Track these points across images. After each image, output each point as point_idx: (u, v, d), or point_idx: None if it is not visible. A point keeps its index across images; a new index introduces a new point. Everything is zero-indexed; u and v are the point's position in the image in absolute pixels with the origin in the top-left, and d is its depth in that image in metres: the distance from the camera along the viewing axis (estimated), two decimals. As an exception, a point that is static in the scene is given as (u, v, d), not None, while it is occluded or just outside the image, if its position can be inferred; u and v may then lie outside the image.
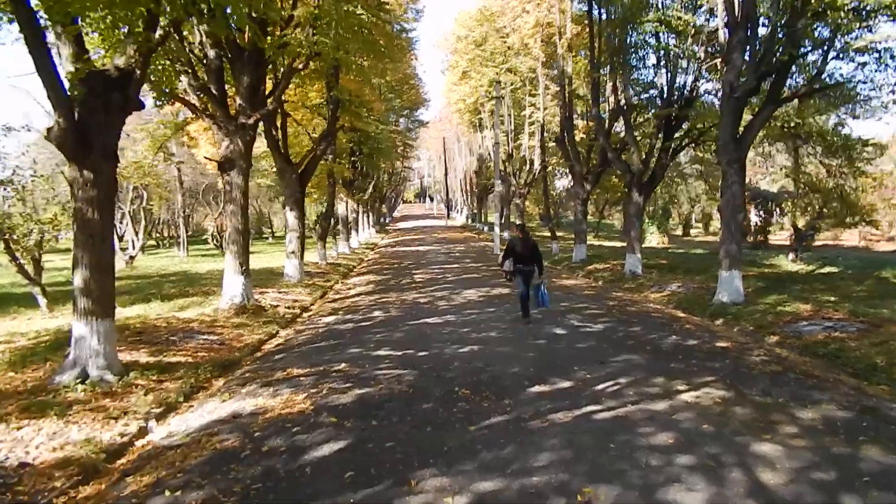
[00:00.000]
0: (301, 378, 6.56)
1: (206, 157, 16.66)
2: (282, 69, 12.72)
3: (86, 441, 4.84)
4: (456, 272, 18.76)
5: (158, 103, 13.05)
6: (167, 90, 11.48)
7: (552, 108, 30.36)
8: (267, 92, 12.41)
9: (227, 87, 11.69)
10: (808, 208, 23.31)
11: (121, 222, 33.46)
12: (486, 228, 46.26)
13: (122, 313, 11.14)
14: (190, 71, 10.83)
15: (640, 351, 7.69)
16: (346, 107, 19.53)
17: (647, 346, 7.98)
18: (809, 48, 12.42)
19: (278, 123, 16.50)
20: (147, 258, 33.34)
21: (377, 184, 41.81)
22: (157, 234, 50.10)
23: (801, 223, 23.51)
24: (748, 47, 11.64)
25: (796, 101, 15.00)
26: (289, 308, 12.27)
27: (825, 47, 12.05)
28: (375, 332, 9.21)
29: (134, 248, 26.71)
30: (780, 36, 11.77)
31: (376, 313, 11.30)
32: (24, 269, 11.62)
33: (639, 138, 17.77)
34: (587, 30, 22.77)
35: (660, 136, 17.18)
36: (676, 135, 16.86)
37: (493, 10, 31.17)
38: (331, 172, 22.32)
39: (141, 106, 6.72)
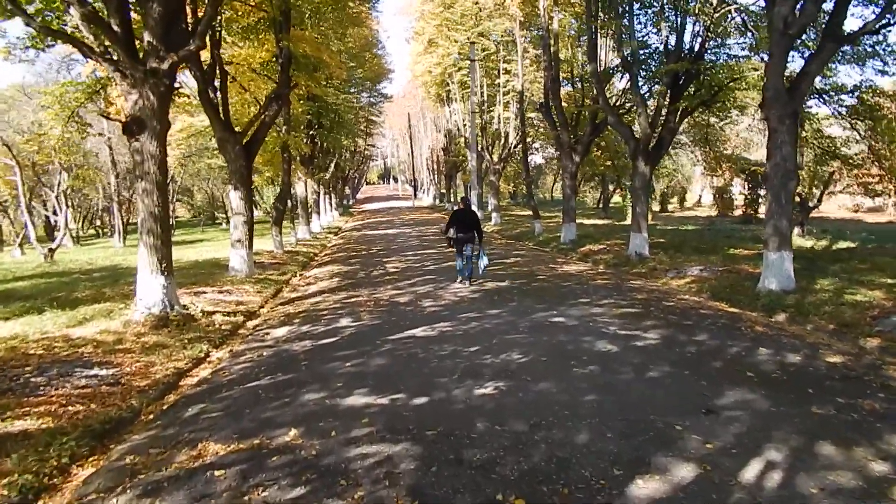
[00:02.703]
0: (216, 471, 3.72)
1: (104, 116, 13.24)
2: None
3: None
4: (435, 259, 16.02)
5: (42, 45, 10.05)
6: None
7: (531, 73, 27.70)
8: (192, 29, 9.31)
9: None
10: (816, 178, 21.37)
11: (55, 213, 28.74)
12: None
13: (-5, 331, 8.11)
14: (78, -2, 7.65)
15: (744, 381, 5.14)
16: (301, 66, 16.43)
17: (748, 372, 5.44)
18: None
19: (217, 84, 13.35)
20: (79, 250, 29.55)
21: (339, 162, 38.50)
22: (98, 223, 45.85)
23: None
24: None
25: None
26: (229, 315, 9.35)
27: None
28: (344, 358, 6.33)
29: (56, 238, 22.97)
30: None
31: (344, 322, 8.44)
32: None
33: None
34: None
35: (667, 96, 14.71)
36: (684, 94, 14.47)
37: (464, -36, 28.09)
38: (286, 146, 19.18)
39: None
